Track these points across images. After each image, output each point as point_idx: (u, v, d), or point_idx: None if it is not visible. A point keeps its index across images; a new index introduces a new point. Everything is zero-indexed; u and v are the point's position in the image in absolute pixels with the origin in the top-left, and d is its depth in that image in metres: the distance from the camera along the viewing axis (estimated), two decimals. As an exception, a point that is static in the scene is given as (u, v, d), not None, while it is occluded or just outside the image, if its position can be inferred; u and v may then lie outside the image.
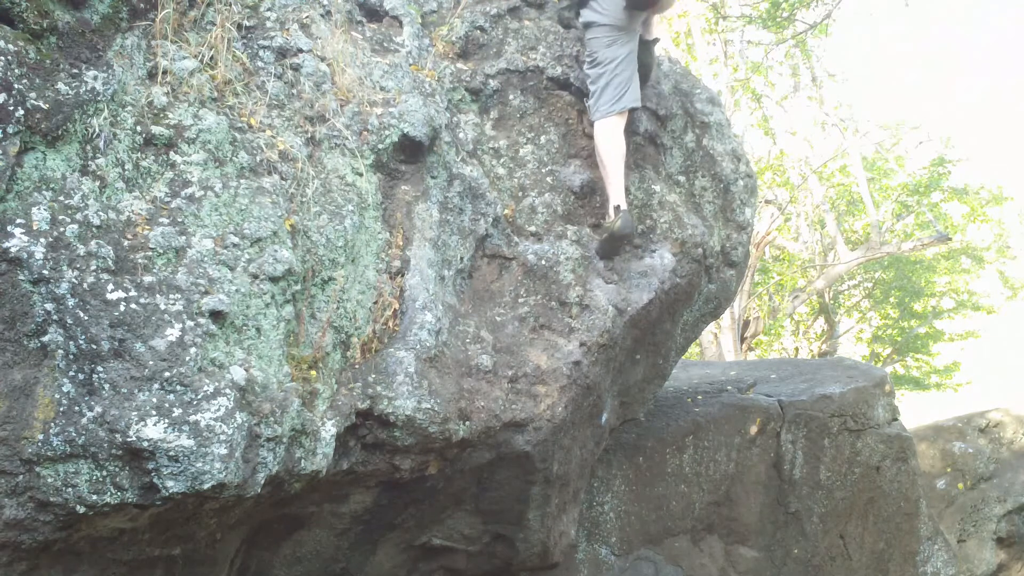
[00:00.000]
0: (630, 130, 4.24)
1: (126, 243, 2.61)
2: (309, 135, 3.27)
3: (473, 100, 4.05)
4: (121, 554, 2.66)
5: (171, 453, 2.41)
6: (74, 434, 2.36)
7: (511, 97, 4.09)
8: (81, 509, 2.40)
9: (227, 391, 2.53)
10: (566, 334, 3.70)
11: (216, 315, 2.62)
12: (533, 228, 3.92)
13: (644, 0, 4.06)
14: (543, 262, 3.81)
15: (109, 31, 2.86)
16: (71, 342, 2.41)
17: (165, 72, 2.95)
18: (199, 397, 2.48)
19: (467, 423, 3.27)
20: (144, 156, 2.80)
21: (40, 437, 2.35)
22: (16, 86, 2.49)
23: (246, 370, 2.63)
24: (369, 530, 3.53)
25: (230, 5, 3.29)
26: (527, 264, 3.80)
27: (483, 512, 3.70)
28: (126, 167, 2.74)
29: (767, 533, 5.66)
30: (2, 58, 2.48)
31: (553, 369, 3.57)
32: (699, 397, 5.70)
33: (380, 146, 3.45)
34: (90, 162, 2.65)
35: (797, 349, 17.42)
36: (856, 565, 6.03)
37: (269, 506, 3.03)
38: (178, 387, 2.47)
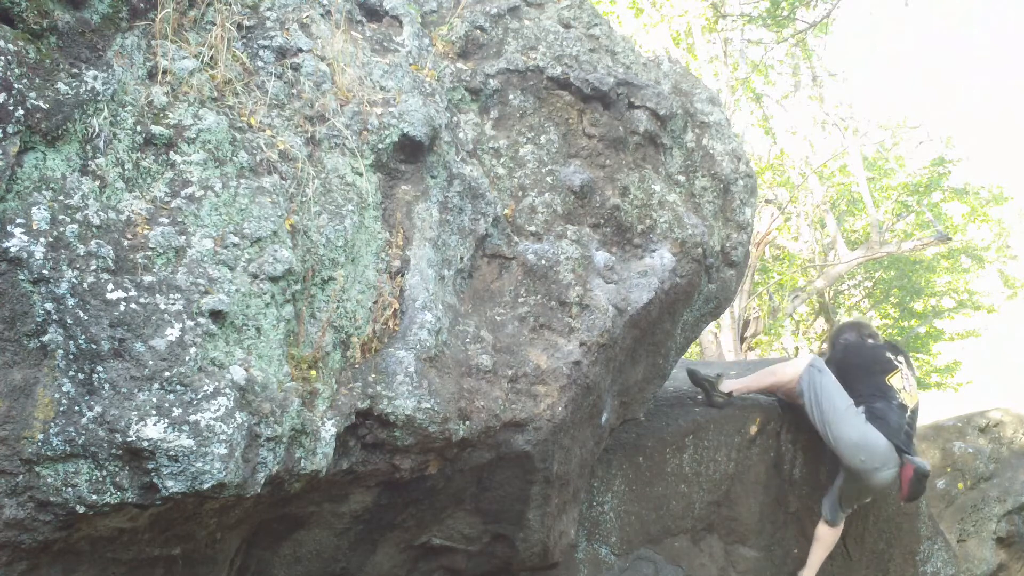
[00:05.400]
0: (630, 130, 4.24)
1: (126, 243, 2.61)
2: (309, 135, 3.27)
3: (473, 100, 4.04)
4: (121, 554, 2.66)
5: (171, 453, 2.40)
6: (74, 434, 2.36)
7: (511, 97, 4.09)
8: (81, 509, 2.40)
9: (227, 391, 2.53)
10: (566, 334, 3.69)
11: (216, 315, 2.61)
12: (533, 228, 3.92)
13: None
14: (543, 262, 3.81)
15: (109, 31, 2.86)
16: (71, 342, 2.41)
17: (165, 72, 2.95)
18: (199, 397, 2.48)
19: (467, 423, 3.27)
20: (144, 156, 2.80)
21: (40, 437, 2.35)
22: (16, 86, 2.49)
23: (246, 370, 2.63)
24: (369, 530, 3.53)
25: (230, 5, 3.29)
26: (527, 264, 3.80)
27: (483, 512, 3.70)
28: (126, 167, 2.74)
29: (767, 533, 5.66)
30: (2, 58, 2.48)
31: (553, 369, 3.56)
32: (699, 397, 5.69)
33: (380, 146, 3.45)
34: (90, 162, 2.65)
35: (797, 349, 17.41)
36: (856, 565, 6.03)
37: (269, 506, 3.03)
38: (178, 387, 2.47)
